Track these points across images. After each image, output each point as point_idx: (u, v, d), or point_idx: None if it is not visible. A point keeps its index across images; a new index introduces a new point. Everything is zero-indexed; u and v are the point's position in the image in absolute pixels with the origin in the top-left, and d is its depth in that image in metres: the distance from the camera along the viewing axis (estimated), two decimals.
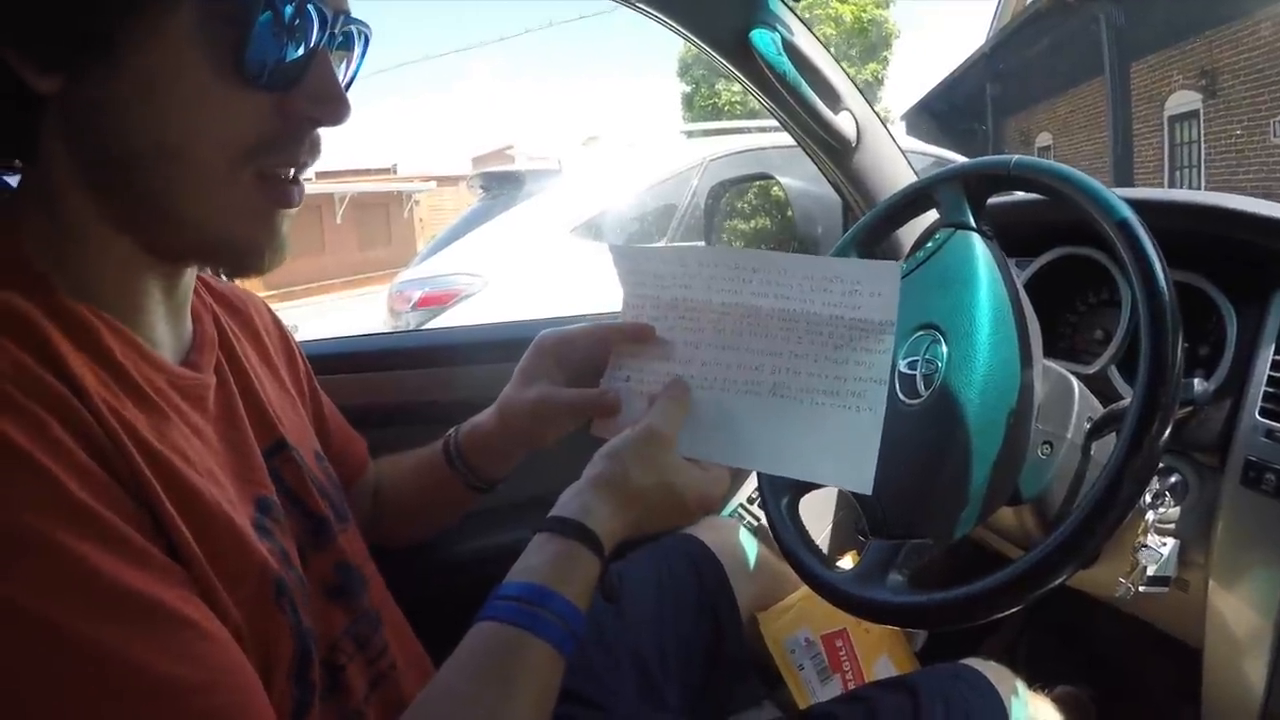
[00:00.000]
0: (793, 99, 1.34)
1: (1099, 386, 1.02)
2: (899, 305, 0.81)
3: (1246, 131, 10.21)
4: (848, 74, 1.44)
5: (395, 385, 1.48)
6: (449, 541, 1.28)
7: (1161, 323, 0.76)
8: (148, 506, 0.58)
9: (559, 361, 0.96)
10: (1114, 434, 0.93)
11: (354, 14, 0.72)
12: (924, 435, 0.89)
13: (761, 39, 1.30)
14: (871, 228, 1.11)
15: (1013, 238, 0.98)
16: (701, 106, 18.96)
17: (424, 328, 3.29)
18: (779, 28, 1.33)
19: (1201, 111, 10.90)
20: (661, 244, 4.12)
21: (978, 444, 0.85)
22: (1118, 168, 11.57)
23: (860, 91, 1.45)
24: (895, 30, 18.74)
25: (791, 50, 1.34)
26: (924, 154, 5.09)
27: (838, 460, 0.80)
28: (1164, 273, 0.78)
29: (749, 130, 4.84)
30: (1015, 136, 16.52)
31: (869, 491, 0.78)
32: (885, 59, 18.61)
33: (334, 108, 0.68)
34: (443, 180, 22.41)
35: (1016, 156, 0.97)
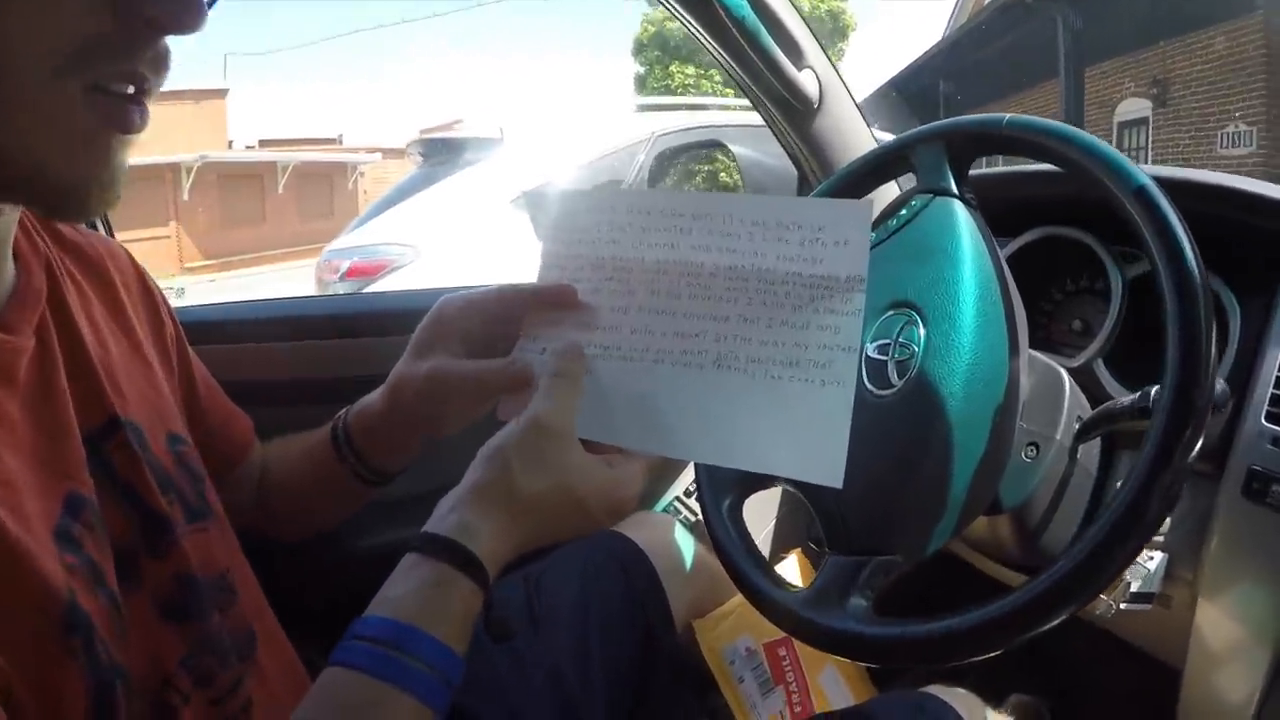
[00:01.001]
0: (751, 49, 1.22)
1: (1082, 383, 0.91)
2: (869, 279, 0.68)
3: (1194, 141, 10.42)
4: (811, 29, 1.31)
5: (297, 357, 1.33)
6: (351, 534, 1.14)
7: (1194, 309, 0.64)
8: None
9: (460, 331, 0.81)
10: (1100, 437, 0.85)
11: None
12: (895, 432, 0.76)
13: None
14: (835, 192, 0.97)
15: (986, 216, 0.87)
16: (654, 88, 19.05)
17: (310, 296, 3.15)
18: None
19: (1151, 119, 11.13)
20: None
21: (959, 444, 0.72)
22: None
23: (824, 49, 1.33)
24: (853, 23, 18.93)
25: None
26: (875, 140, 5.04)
27: (800, 446, 0.66)
28: (1193, 249, 0.66)
29: (702, 108, 4.75)
30: None
31: (839, 484, 0.64)
32: (841, 51, 18.78)
33: (182, 9, 0.56)
34: (388, 152, 22.26)
35: (1009, 115, 0.84)
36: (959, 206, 0.83)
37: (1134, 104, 11.41)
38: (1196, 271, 0.65)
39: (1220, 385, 0.73)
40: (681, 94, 17.74)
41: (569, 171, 4.12)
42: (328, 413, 0.93)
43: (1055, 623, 0.63)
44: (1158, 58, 10.76)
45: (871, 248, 0.77)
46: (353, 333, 1.33)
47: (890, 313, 0.81)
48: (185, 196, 17.18)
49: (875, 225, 0.88)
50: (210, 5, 0.59)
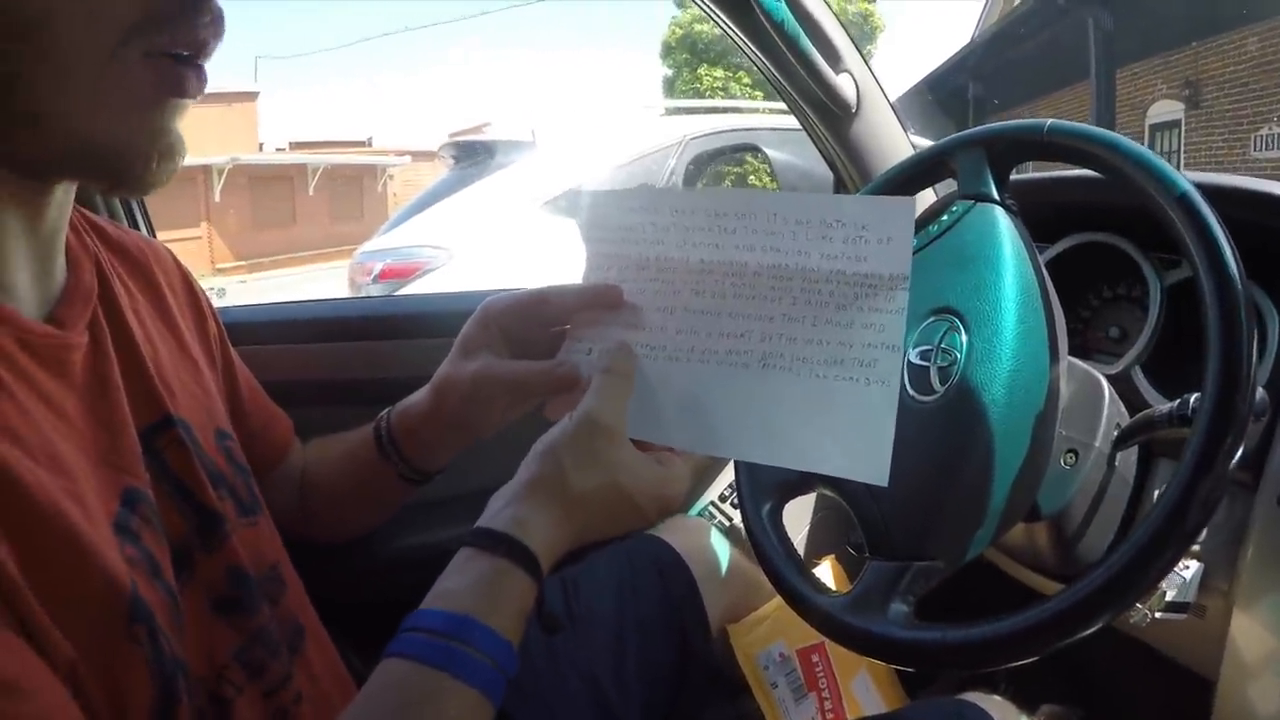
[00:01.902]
0: (790, 54, 1.21)
1: (1120, 390, 0.90)
2: (911, 285, 0.68)
3: (1227, 144, 10.28)
4: (848, 33, 1.31)
5: (333, 359, 1.34)
6: (389, 536, 1.15)
7: (1234, 316, 0.64)
8: None
9: (506, 331, 0.82)
10: (1138, 445, 0.84)
11: None
12: (937, 438, 0.76)
13: None
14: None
15: (1024, 221, 0.87)
16: (683, 91, 19.01)
17: (349, 298, 3.17)
18: None
19: (1183, 121, 10.98)
20: None
21: (1000, 450, 0.72)
22: None
23: (860, 53, 1.33)
24: (881, 24, 18.84)
25: (793, 3, 1.20)
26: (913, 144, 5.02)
27: (845, 445, 0.66)
28: (1235, 256, 0.66)
29: (734, 110, 4.75)
30: None
31: (885, 482, 0.64)
32: (869, 54, 18.72)
33: None
34: (418, 155, 22.35)
35: (1051, 120, 0.84)
36: (1000, 213, 0.83)
37: (1166, 106, 11.27)
38: (1238, 278, 0.65)
39: (1260, 393, 0.73)
40: (710, 97, 17.70)
41: (600, 175, 4.12)
42: (365, 414, 0.94)
43: (1093, 630, 0.63)
44: (1190, 59, 10.63)
45: (913, 254, 0.78)
46: (391, 334, 1.34)
47: (932, 319, 0.81)
48: (216, 198, 17.33)
49: (916, 231, 0.88)
50: None
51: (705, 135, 4.22)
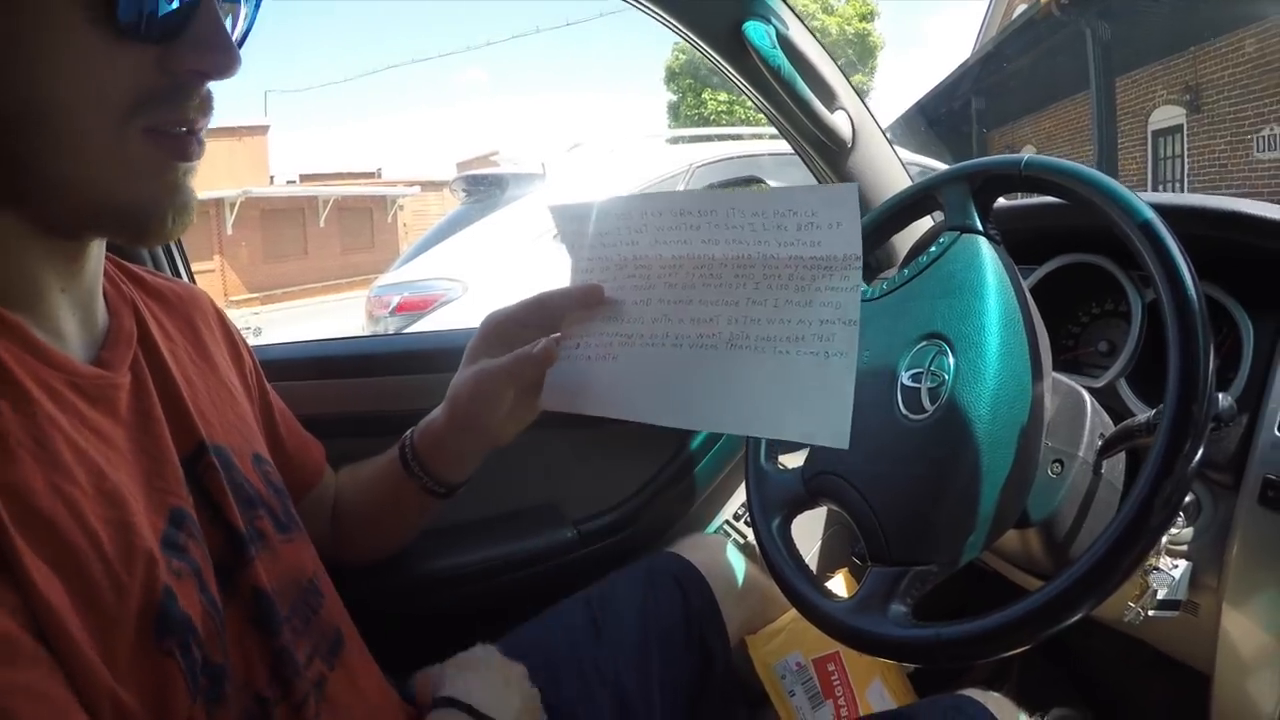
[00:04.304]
0: (786, 95, 1.30)
1: (1107, 401, 0.97)
2: (903, 312, 0.78)
3: (1229, 146, 10.27)
4: (842, 72, 1.39)
5: (360, 393, 1.41)
6: (411, 560, 1.21)
7: (1192, 332, 0.71)
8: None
9: (505, 338, 0.91)
10: (1124, 452, 0.90)
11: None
12: (929, 453, 0.82)
13: (755, 31, 1.25)
14: (870, 230, 1.05)
15: (1014, 244, 0.93)
16: (688, 115, 19.08)
17: (372, 335, 3.22)
18: (773, 20, 1.29)
19: (1185, 126, 10.96)
20: None
21: (987, 463, 0.79)
22: None
23: (855, 90, 1.40)
24: (880, 41, 18.89)
25: (786, 44, 1.29)
26: (911, 163, 5.05)
27: (808, 413, 0.74)
28: (1193, 278, 0.73)
29: (735, 138, 4.79)
30: (1000, 150, 16.52)
31: (845, 445, 0.71)
32: (871, 70, 18.75)
33: (220, 59, 0.65)
34: (427, 185, 22.42)
35: (1028, 155, 0.91)
36: (983, 243, 0.90)
37: (1168, 111, 11.26)
38: (1195, 299, 0.72)
39: (1225, 401, 0.79)
40: (715, 120, 17.75)
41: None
42: (392, 444, 1.01)
43: (1073, 620, 0.70)
44: (1189, 64, 10.64)
45: (904, 283, 0.86)
46: (414, 369, 1.41)
47: (923, 343, 0.88)
48: (229, 231, 17.43)
49: (908, 261, 0.95)
50: (240, 45, 0.69)
51: (711, 163, 4.29)
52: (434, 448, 0.96)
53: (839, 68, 1.39)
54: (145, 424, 0.71)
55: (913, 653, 0.77)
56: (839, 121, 1.36)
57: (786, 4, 1.31)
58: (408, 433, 0.99)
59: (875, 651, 0.80)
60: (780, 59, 1.26)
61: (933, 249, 0.94)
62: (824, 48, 1.36)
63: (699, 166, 4.28)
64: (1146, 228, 0.76)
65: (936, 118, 16.83)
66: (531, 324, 0.90)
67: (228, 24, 0.67)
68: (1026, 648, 0.73)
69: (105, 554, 0.58)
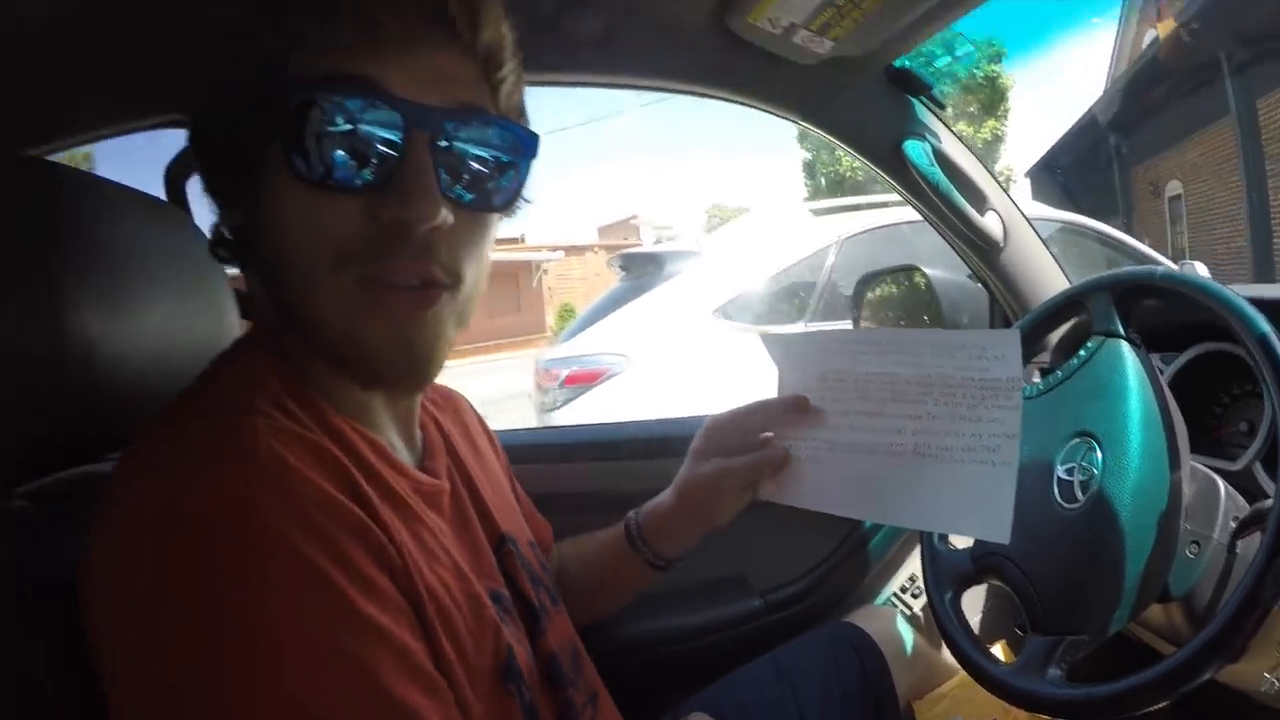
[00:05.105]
0: (942, 204, 1.42)
1: (1244, 483, 1.03)
2: (1057, 411, 0.90)
3: None
4: (994, 176, 1.51)
5: (576, 475, 1.57)
6: (617, 625, 1.35)
7: None
8: (419, 614, 0.66)
9: (726, 440, 1.03)
10: (1259, 532, 0.96)
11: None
12: (1080, 538, 0.94)
13: (914, 150, 1.38)
14: (1026, 332, 1.17)
15: (1161, 333, 1.04)
16: (824, 174, 19.02)
17: (588, 423, 3.38)
18: (928, 137, 1.41)
19: None
20: (801, 324, 4.24)
21: (1130, 546, 0.90)
22: (1255, 227, 10.90)
23: (1006, 191, 1.50)
24: (1010, 83, 18.53)
25: (941, 158, 1.42)
26: (1050, 219, 5.05)
27: (977, 514, 0.85)
28: None
29: (880, 205, 4.86)
30: (1144, 187, 15.77)
31: (1006, 540, 0.82)
32: (1004, 113, 18.40)
33: (421, 208, 0.66)
34: (570, 250, 22.86)
35: (1161, 268, 1.02)
36: (1126, 348, 1.02)
37: None
38: None
39: None
40: (851, 176, 17.66)
41: (763, 282, 4.34)
42: (600, 521, 1.15)
43: (1201, 680, 0.81)
44: None
45: (1058, 385, 1.00)
46: (625, 455, 1.58)
47: (1075, 440, 1.00)
48: None
49: (1058, 364, 1.07)
50: (506, 204, 0.75)
51: (858, 234, 4.41)
52: (659, 528, 1.07)
53: (989, 170, 1.50)
54: (464, 521, 0.84)
55: (1067, 710, 0.89)
56: (990, 223, 1.47)
57: (938, 116, 1.44)
58: (631, 513, 1.10)
59: (1035, 708, 0.92)
60: (937, 175, 1.39)
61: (1081, 353, 1.06)
62: (975, 155, 1.47)
63: (846, 239, 4.40)
64: (1263, 341, 0.87)
65: (1075, 158, 16.31)
66: (750, 427, 1.03)
67: (440, 173, 0.68)
68: (1166, 703, 0.84)
69: (468, 620, 0.71)
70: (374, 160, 0.66)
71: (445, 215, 0.67)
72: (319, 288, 0.67)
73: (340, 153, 0.65)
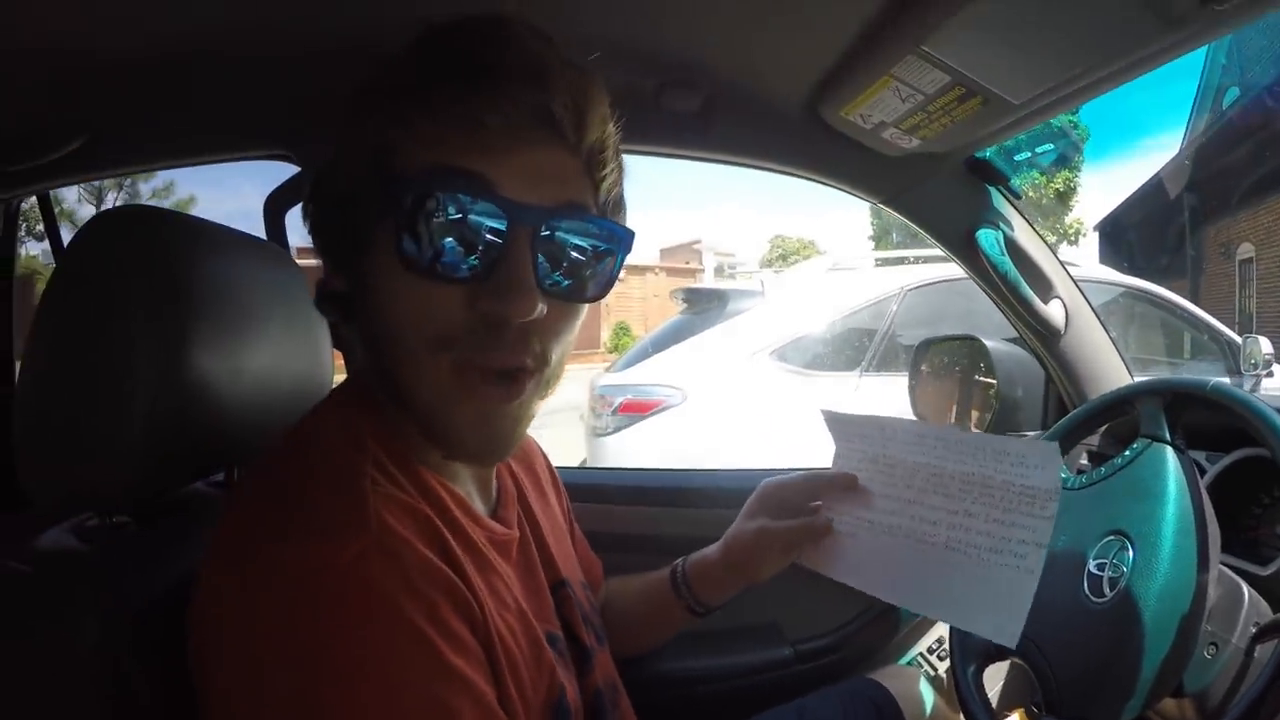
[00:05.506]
0: (1008, 291, 1.46)
1: (1272, 587, 1.06)
2: (1096, 506, 0.96)
3: None
4: (1063, 265, 1.55)
5: (630, 517, 1.64)
6: (654, 660, 1.39)
7: None
8: (490, 659, 0.71)
9: (777, 503, 1.10)
10: (1277, 640, 0.99)
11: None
12: (1103, 630, 0.99)
13: (986, 239, 1.43)
14: (1071, 429, 1.23)
15: (1205, 433, 1.07)
16: (888, 213, 18.90)
17: (649, 469, 3.41)
18: (1002, 225, 1.46)
19: None
20: (856, 372, 4.30)
21: (1150, 644, 0.94)
22: None
23: (1074, 282, 1.55)
24: (1085, 133, 18.32)
25: (1011, 245, 1.46)
26: (1115, 284, 5.08)
27: (992, 615, 0.89)
28: None
29: (942, 259, 4.87)
30: (1215, 248, 15.63)
31: (1014, 645, 0.87)
32: (1077, 165, 18.20)
33: (515, 302, 0.69)
34: (630, 269, 22.74)
35: (1214, 380, 1.07)
36: (1170, 453, 1.07)
37: None
38: None
39: None
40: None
41: (822, 326, 4.40)
42: (648, 564, 1.21)
43: None
44: None
45: (1100, 480, 1.05)
46: (679, 503, 1.65)
47: (1109, 537, 1.04)
48: None
49: (1102, 461, 1.12)
50: (592, 293, 0.77)
51: (921, 286, 4.46)
52: (703, 577, 1.13)
53: (1059, 259, 1.55)
54: (529, 566, 0.90)
55: None
56: (1053, 311, 1.51)
57: (1014, 205, 1.48)
58: (679, 561, 1.17)
59: None
60: (1006, 264, 1.44)
61: (1126, 453, 1.11)
62: (1046, 244, 1.53)
63: (909, 290, 4.45)
64: None
65: (1146, 215, 16.04)
66: (801, 495, 1.09)
67: (544, 265, 0.72)
68: None
69: (528, 663, 0.77)
70: (480, 248, 0.69)
71: (541, 309, 0.70)
72: (417, 366, 0.72)
73: (449, 240, 0.68)
